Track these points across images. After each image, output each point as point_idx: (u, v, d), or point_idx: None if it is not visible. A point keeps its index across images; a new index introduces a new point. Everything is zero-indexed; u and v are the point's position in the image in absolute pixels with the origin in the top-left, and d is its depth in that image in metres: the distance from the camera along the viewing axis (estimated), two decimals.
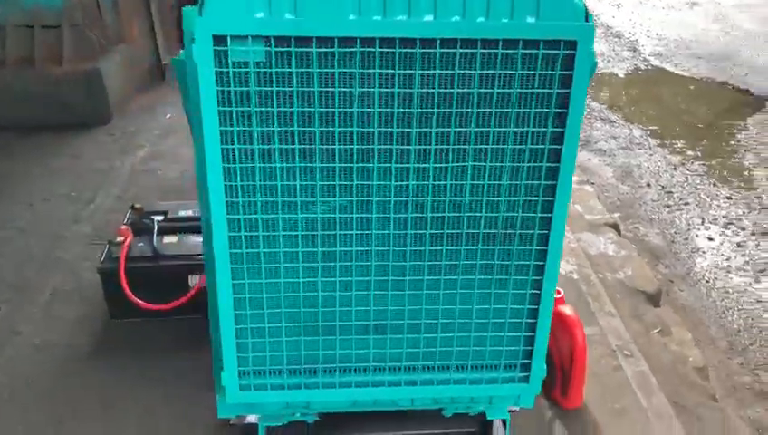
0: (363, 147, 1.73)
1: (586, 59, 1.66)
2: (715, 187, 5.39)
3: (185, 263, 3.32)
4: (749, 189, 5.38)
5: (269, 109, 1.67)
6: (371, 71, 1.65)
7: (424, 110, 1.70)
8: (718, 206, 5.10)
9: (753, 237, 4.66)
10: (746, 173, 5.63)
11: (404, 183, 1.78)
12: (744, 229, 4.77)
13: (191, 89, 1.78)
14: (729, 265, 4.36)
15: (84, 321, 3.44)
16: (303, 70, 1.63)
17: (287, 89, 1.65)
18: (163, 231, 3.50)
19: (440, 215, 1.82)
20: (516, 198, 1.82)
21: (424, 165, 1.76)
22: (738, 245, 4.59)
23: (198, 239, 3.46)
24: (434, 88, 1.67)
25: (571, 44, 1.65)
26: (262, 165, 1.73)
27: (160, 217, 3.61)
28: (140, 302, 3.18)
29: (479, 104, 1.70)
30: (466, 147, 1.74)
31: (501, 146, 1.75)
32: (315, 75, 1.65)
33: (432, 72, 1.66)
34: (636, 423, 2.90)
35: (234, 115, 1.67)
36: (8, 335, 3.33)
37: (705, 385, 3.22)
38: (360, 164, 1.75)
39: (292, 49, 1.61)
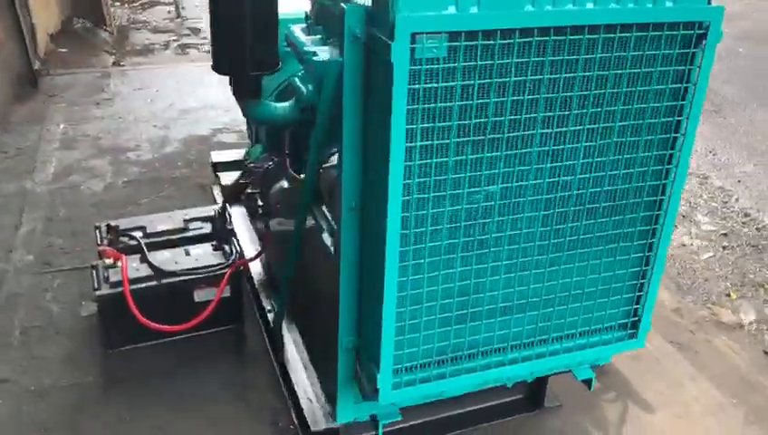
0: (527, 133, 1.79)
1: (716, 37, 1.84)
2: None
3: (190, 278, 3.12)
4: None
5: (452, 104, 1.68)
6: (543, 58, 1.72)
7: (584, 92, 1.79)
8: None
9: None
10: None
11: (559, 164, 1.87)
12: None
13: (348, 91, 1.74)
14: None
15: (75, 356, 3.13)
16: (491, 62, 1.66)
17: (470, 82, 1.67)
18: (149, 248, 3.26)
19: (583, 191, 1.94)
20: (647, 168, 1.97)
21: (577, 145, 1.86)
22: None
23: (195, 250, 3.27)
24: (593, 71, 1.77)
25: (703, 25, 1.82)
26: (437, 160, 1.73)
27: (139, 234, 3.37)
28: (159, 326, 2.96)
29: (627, 84, 1.83)
30: (613, 125, 1.87)
31: (640, 121, 1.89)
32: (495, 67, 1.68)
33: (598, 56, 1.75)
34: (650, 364, 3.22)
35: (419, 113, 1.66)
36: None
37: (683, 322, 3.63)
38: (524, 150, 1.81)
39: (479, 42, 1.64)
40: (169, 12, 9.32)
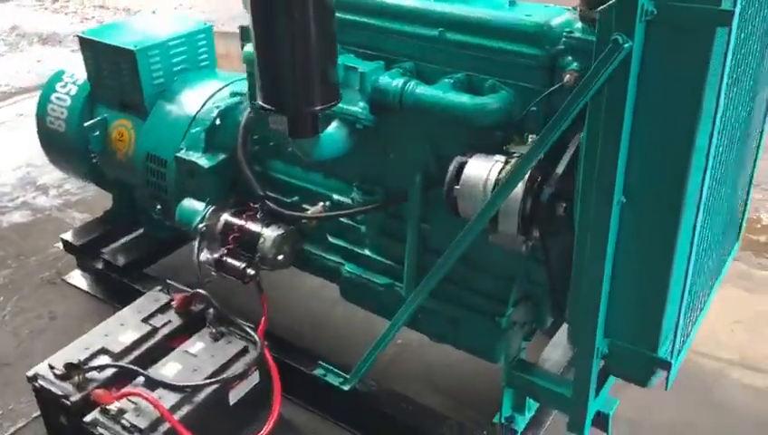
0: None
1: None
2: None
3: (220, 380, 2.50)
4: None
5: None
6: None
7: None
8: None
9: None
10: None
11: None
12: None
13: (634, 75, 1.58)
14: None
15: None
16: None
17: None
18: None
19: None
20: None
21: None
22: None
23: (195, 348, 2.60)
24: None
25: None
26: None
27: (108, 359, 2.58)
28: None
29: None
30: None
31: None
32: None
33: None
34: None
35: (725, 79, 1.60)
36: None
37: None
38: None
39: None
40: None
